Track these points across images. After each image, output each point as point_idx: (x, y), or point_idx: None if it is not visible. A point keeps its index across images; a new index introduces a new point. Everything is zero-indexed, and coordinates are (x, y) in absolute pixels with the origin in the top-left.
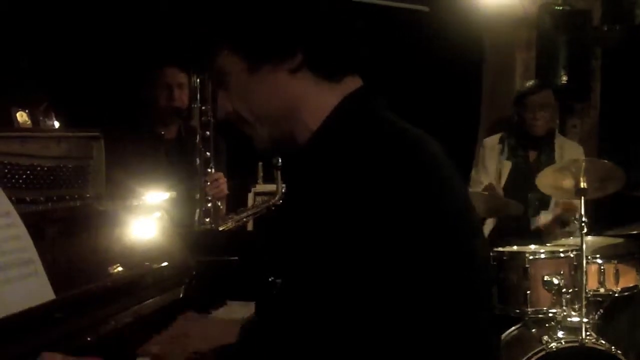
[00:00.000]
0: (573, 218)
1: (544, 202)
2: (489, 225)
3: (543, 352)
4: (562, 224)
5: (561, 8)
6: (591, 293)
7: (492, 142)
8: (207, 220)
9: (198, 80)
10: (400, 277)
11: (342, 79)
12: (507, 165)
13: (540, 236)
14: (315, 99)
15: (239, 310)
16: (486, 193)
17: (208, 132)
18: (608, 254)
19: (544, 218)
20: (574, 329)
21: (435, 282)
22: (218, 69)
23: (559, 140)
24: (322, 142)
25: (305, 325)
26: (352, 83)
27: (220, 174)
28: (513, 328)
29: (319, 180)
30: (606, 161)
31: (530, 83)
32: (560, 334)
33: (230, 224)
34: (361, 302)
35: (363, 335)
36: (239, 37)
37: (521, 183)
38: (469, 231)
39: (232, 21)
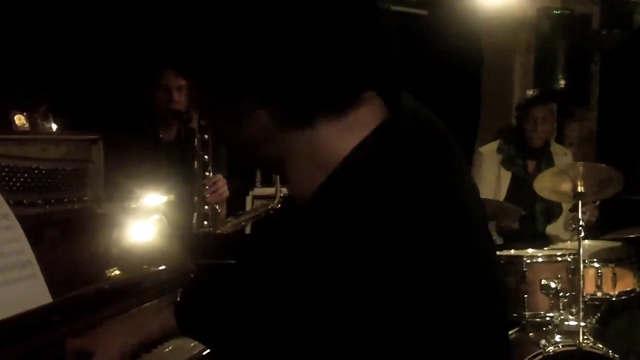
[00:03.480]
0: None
1: (552, 212)
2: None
3: (540, 356)
4: None
5: (560, 12)
6: (588, 297)
7: (489, 151)
8: (206, 223)
9: None
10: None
11: (348, 113)
12: (507, 176)
13: (545, 241)
14: (306, 147)
15: None
16: (485, 197)
17: (207, 136)
18: (605, 257)
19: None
20: (571, 333)
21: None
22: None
23: (554, 147)
24: (334, 202)
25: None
26: (368, 114)
27: (219, 176)
28: (511, 332)
29: (333, 240)
30: (604, 165)
31: (534, 92)
32: (557, 337)
33: (228, 227)
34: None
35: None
36: (195, 73)
37: (523, 193)
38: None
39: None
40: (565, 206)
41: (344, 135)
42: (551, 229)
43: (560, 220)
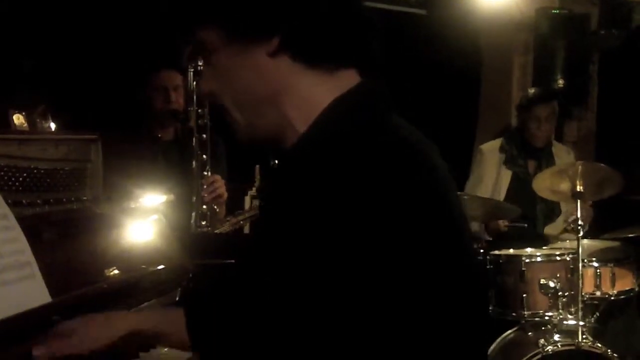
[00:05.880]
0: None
1: (551, 212)
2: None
3: (539, 356)
4: None
5: (559, 12)
6: (587, 296)
7: (491, 149)
8: (204, 223)
9: (195, 82)
10: (388, 294)
11: (334, 72)
12: (507, 175)
13: (544, 241)
14: (299, 90)
15: None
16: (484, 197)
17: (205, 135)
18: (604, 257)
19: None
20: (570, 332)
21: (426, 297)
22: (200, 42)
23: (555, 147)
24: (310, 149)
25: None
26: (349, 79)
27: (217, 177)
28: (509, 331)
29: (305, 189)
30: (603, 164)
31: (537, 90)
32: (556, 337)
33: (227, 227)
34: (350, 309)
35: (350, 341)
36: (216, 10)
37: (523, 193)
38: (462, 246)
39: None
40: (564, 206)
41: (332, 93)
42: (550, 228)
43: (560, 220)
